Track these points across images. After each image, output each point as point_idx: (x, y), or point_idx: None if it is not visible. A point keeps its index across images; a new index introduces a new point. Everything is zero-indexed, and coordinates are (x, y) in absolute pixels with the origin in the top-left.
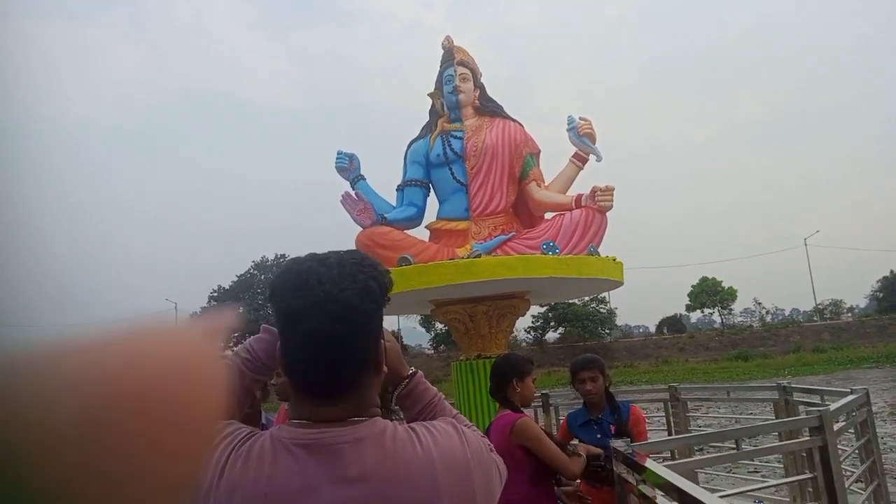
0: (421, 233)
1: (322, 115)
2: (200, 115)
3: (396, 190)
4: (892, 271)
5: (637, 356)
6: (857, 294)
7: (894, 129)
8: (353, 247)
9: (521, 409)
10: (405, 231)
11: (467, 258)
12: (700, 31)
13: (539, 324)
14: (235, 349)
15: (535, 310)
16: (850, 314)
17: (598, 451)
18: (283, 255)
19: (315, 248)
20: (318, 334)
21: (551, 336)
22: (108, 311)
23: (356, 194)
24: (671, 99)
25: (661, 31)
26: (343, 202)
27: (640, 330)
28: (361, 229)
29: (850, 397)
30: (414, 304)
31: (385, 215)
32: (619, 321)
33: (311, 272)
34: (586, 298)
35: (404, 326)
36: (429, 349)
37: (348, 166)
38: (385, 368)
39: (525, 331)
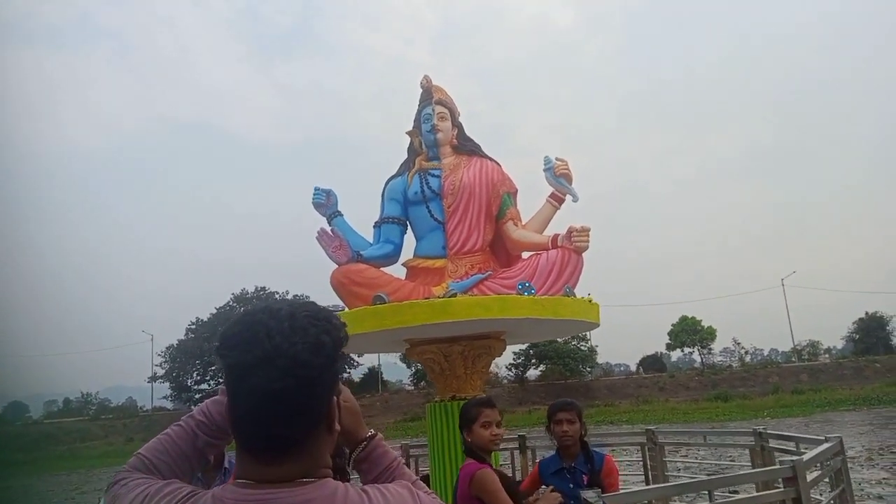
0: (398, 270)
1: (305, 148)
2: (184, 145)
3: (374, 227)
4: (867, 313)
5: (618, 395)
6: (833, 335)
7: (869, 172)
8: (329, 282)
9: (484, 455)
10: (381, 269)
11: (443, 297)
12: (676, 68)
13: (520, 361)
14: (192, 411)
15: (516, 347)
16: (827, 355)
17: (557, 498)
18: (263, 288)
19: (296, 282)
20: (265, 390)
21: (532, 373)
22: (86, 343)
23: (332, 231)
24: (649, 134)
25: (638, 67)
26: (319, 239)
27: (621, 368)
28: (337, 266)
29: (825, 446)
30: (389, 342)
31: (361, 252)
32: (600, 359)
33: (260, 325)
34: (571, 336)
35: (384, 361)
36: (409, 385)
37: (325, 202)
38: (338, 427)
39: (507, 367)
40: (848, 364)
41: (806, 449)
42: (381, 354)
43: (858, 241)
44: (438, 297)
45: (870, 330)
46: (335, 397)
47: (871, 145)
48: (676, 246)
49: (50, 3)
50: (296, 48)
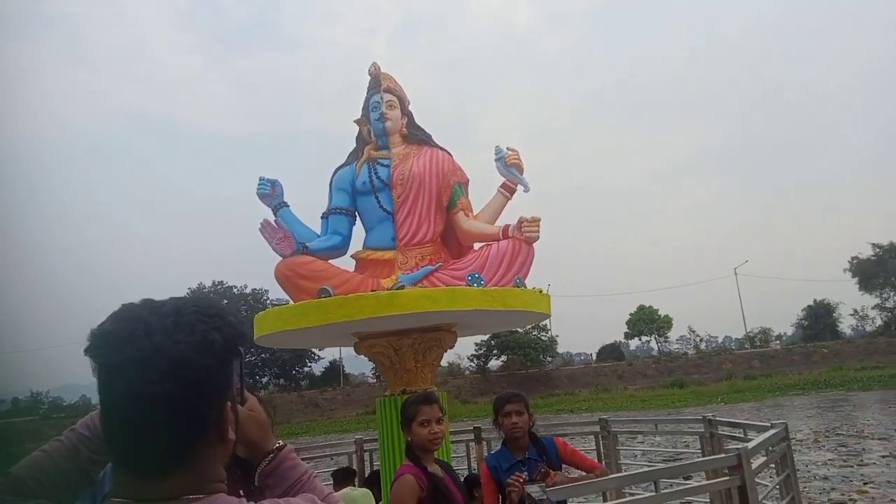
0: (347, 263)
1: (264, 138)
2: (140, 136)
3: (321, 218)
4: (814, 300)
5: (578, 384)
6: (783, 322)
7: (823, 167)
8: (273, 275)
9: (422, 455)
10: (329, 261)
11: (390, 290)
12: (637, 66)
13: (482, 351)
14: (75, 424)
15: (477, 337)
16: (777, 342)
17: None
18: (220, 282)
19: (251, 274)
20: (141, 394)
21: (494, 364)
22: (38, 340)
23: (276, 222)
24: (607, 132)
25: (600, 65)
26: (262, 230)
27: (581, 357)
28: (281, 259)
29: (770, 432)
30: (336, 336)
31: (307, 244)
32: (561, 349)
33: (139, 321)
34: (528, 326)
35: (346, 354)
36: (371, 378)
37: (270, 192)
38: (232, 436)
39: (468, 359)
40: (797, 350)
41: (753, 435)
42: (342, 347)
43: (810, 231)
44: (386, 290)
45: (818, 317)
46: (229, 403)
47: (823, 142)
48: (633, 240)
49: None
50: (254, 40)
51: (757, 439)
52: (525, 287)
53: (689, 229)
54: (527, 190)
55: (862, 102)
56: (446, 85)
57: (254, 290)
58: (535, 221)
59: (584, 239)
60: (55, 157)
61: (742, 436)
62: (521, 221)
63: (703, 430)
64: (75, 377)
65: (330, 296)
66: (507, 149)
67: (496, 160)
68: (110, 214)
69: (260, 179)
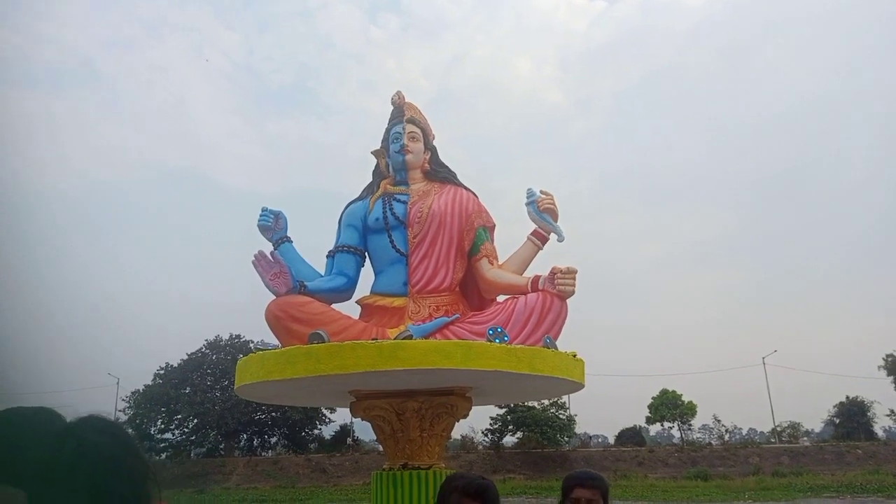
0: (352, 309)
1: (291, 197)
2: (173, 190)
3: (326, 257)
4: (847, 397)
5: (595, 468)
6: (813, 417)
7: (851, 258)
8: (264, 316)
9: None
10: (330, 305)
11: (395, 340)
12: (659, 152)
13: (497, 426)
14: None
15: (493, 410)
16: (806, 438)
17: None
18: (238, 336)
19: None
20: None
21: (509, 440)
22: (48, 384)
23: (272, 254)
24: (627, 212)
25: (623, 148)
26: (255, 263)
27: (599, 440)
28: (274, 297)
29: None
30: (330, 393)
31: (305, 283)
32: (578, 429)
33: None
34: (546, 402)
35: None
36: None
37: (273, 225)
38: None
39: (483, 433)
40: (829, 448)
41: None
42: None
43: (840, 326)
44: (391, 340)
45: (851, 414)
46: None
47: (853, 230)
48: (654, 322)
49: (52, 48)
50: (289, 104)
51: None
52: (556, 349)
53: (713, 314)
54: (561, 239)
55: (885, 186)
56: (470, 157)
57: (266, 344)
58: (572, 273)
59: (603, 317)
60: (87, 206)
61: None
62: (554, 272)
63: None
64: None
65: (323, 342)
66: (541, 192)
67: (527, 204)
68: (136, 265)
69: (262, 210)
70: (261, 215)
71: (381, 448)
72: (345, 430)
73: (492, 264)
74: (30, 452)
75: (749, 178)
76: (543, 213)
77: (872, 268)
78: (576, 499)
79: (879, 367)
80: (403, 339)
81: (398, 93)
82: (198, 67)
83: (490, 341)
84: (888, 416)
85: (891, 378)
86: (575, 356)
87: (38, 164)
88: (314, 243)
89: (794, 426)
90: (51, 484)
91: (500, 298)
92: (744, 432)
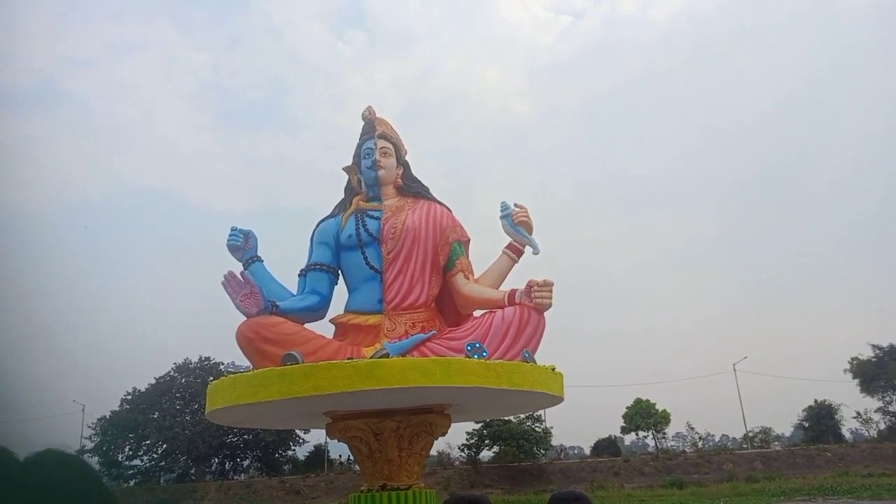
0: (325, 328)
1: (264, 216)
2: (142, 209)
3: (298, 276)
4: (815, 400)
5: (573, 479)
6: (782, 421)
7: (818, 263)
8: (235, 338)
9: None
10: (303, 324)
11: (371, 359)
12: (631, 160)
13: (473, 441)
14: None
15: (469, 425)
16: (777, 442)
17: None
18: (207, 359)
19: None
20: None
21: (485, 455)
22: (12, 414)
23: (242, 275)
24: (599, 221)
25: (594, 156)
26: (225, 284)
27: (575, 451)
28: (245, 318)
29: None
30: (305, 415)
31: (277, 303)
32: (554, 441)
33: None
34: (521, 416)
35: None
36: (357, 466)
37: (242, 245)
38: None
39: (459, 448)
40: (800, 452)
41: None
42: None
43: (806, 330)
44: (367, 359)
45: (819, 418)
46: None
47: (822, 235)
48: (626, 329)
49: (8, 69)
50: (261, 121)
51: None
52: (535, 363)
53: (682, 320)
54: (536, 252)
55: (853, 192)
56: (442, 171)
57: (237, 367)
58: (548, 286)
59: (574, 325)
60: (61, 222)
61: None
62: (530, 286)
63: None
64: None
65: (297, 363)
66: (515, 205)
67: (502, 217)
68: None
69: (232, 230)
70: (230, 235)
71: (356, 468)
72: (319, 451)
73: (468, 279)
74: None
75: (723, 183)
76: (518, 226)
77: (840, 272)
78: None
79: (845, 370)
80: (380, 357)
81: (369, 108)
82: (165, 86)
83: (469, 357)
84: (855, 418)
85: (856, 381)
86: (554, 370)
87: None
88: (286, 261)
89: (766, 431)
90: None
91: (477, 313)
92: (717, 439)
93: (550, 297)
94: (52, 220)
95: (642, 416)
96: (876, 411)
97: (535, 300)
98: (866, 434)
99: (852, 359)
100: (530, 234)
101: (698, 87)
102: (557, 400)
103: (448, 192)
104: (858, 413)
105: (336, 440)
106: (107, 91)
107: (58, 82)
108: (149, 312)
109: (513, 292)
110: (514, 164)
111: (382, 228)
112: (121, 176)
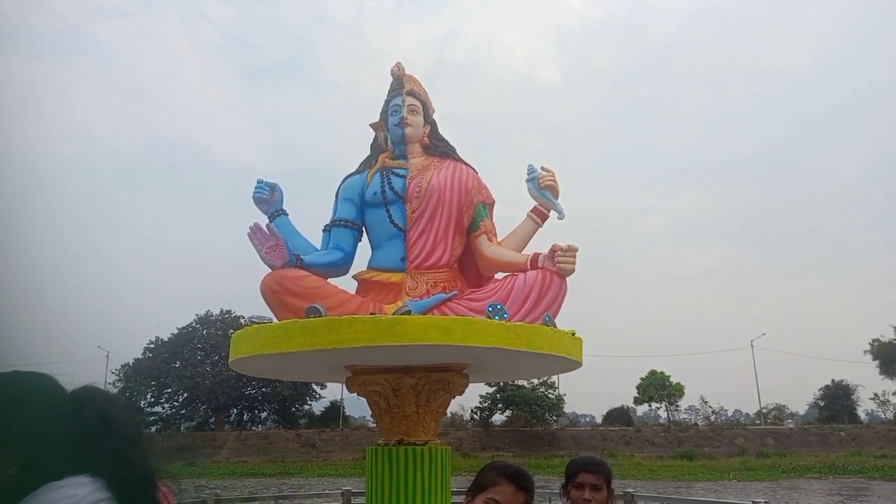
0: (348, 284)
1: (287, 174)
2: (166, 162)
3: (322, 231)
4: (832, 380)
5: (583, 446)
6: (798, 399)
7: (842, 243)
8: (260, 289)
9: None
10: (326, 279)
11: (393, 315)
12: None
13: (486, 404)
14: None
15: (482, 388)
16: (791, 420)
17: None
18: (228, 312)
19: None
20: None
21: (498, 418)
22: (39, 356)
23: (268, 227)
24: (621, 190)
25: (620, 130)
26: (251, 236)
27: (587, 419)
28: (270, 271)
29: None
30: (326, 368)
31: (301, 256)
32: (567, 408)
33: None
34: (535, 381)
35: (348, 393)
36: (371, 422)
37: (268, 198)
38: None
39: (472, 411)
40: (813, 430)
41: None
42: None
43: (829, 309)
44: (389, 315)
45: (835, 398)
46: None
47: (844, 214)
48: (642, 302)
49: (40, 16)
50: (283, 78)
51: None
52: (556, 327)
53: (701, 295)
54: (561, 217)
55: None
56: (467, 136)
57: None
58: (572, 251)
59: (590, 297)
60: (82, 172)
61: None
62: (554, 250)
63: None
64: None
65: (321, 316)
66: (542, 168)
67: (528, 181)
68: (131, 227)
69: (258, 182)
70: (256, 187)
71: (370, 424)
72: (335, 407)
73: (491, 241)
74: (44, 418)
75: (747, 158)
76: (544, 189)
77: (867, 252)
78: (580, 483)
79: (865, 351)
80: (402, 314)
81: (398, 64)
82: (191, 39)
83: (489, 318)
84: (872, 399)
85: (876, 363)
86: (574, 334)
87: (28, 131)
88: (310, 217)
89: (780, 408)
90: (71, 454)
91: (499, 276)
92: (729, 413)
93: (574, 263)
94: (79, 170)
95: (656, 387)
96: (894, 393)
97: (557, 265)
98: (883, 416)
99: (873, 340)
100: (556, 198)
101: (730, 55)
102: (576, 365)
103: (469, 157)
104: (876, 394)
105: (355, 394)
106: (134, 42)
107: (85, 30)
108: (169, 263)
109: (536, 256)
110: (536, 133)
111: (408, 187)
112: (144, 125)
